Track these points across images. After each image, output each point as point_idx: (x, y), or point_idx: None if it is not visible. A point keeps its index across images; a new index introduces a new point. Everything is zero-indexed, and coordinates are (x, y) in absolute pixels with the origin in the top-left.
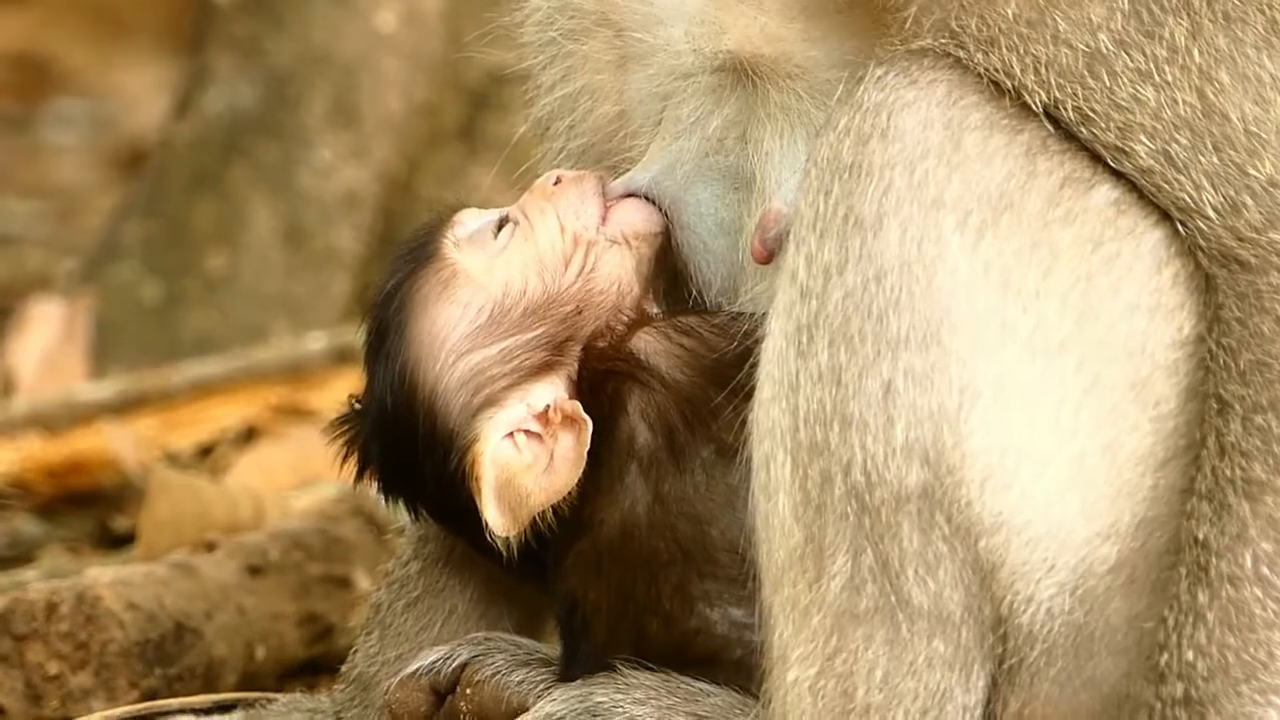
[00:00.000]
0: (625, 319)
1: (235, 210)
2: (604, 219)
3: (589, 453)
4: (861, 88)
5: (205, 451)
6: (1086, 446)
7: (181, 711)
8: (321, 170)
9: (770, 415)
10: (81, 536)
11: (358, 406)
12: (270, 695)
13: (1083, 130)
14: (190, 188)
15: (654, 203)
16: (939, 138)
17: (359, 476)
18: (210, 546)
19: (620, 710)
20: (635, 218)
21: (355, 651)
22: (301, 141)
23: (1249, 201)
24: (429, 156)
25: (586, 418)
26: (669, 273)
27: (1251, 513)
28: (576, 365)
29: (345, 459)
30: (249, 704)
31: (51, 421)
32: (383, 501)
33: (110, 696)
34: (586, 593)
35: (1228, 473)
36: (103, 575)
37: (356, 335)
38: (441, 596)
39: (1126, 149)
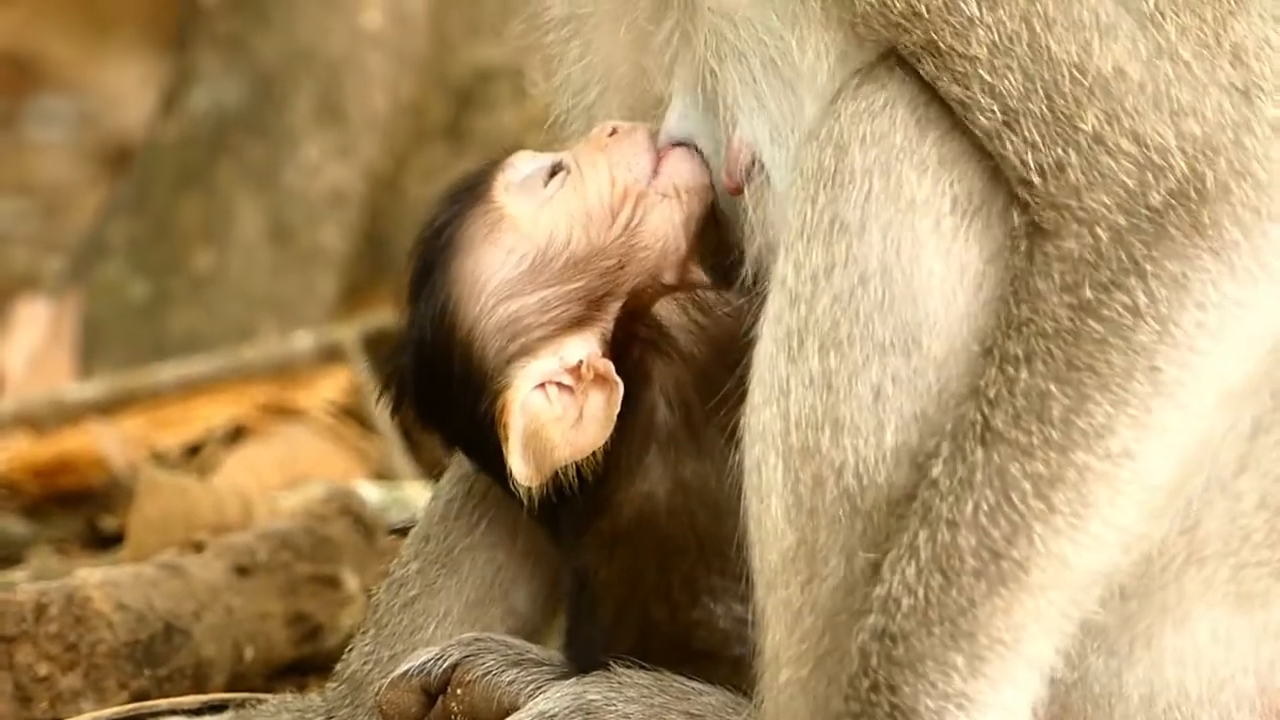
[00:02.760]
0: (664, 281)
1: (222, 209)
2: (655, 171)
3: (614, 425)
4: (840, 98)
5: (193, 451)
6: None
7: (171, 712)
8: (308, 168)
9: (761, 419)
10: (69, 536)
11: (400, 343)
12: (260, 695)
13: (940, 82)
14: (176, 186)
15: (698, 151)
16: (910, 140)
17: (396, 408)
18: (199, 547)
19: (613, 708)
20: (685, 169)
21: (350, 650)
22: (288, 140)
23: (1073, 159)
24: (415, 154)
25: (618, 379)
26: (714, 232)
27: (983, 460)
28: (612, 325)
29: (385, 390)
30: (239, 704)
31: (39, 421)
32: (420, 428)
33: (100, 698)
34: (598, 571)
35: (971, 416)
36: (91, 576)
37: (345, 331)
38: (438, 598)
39: (969, 100)
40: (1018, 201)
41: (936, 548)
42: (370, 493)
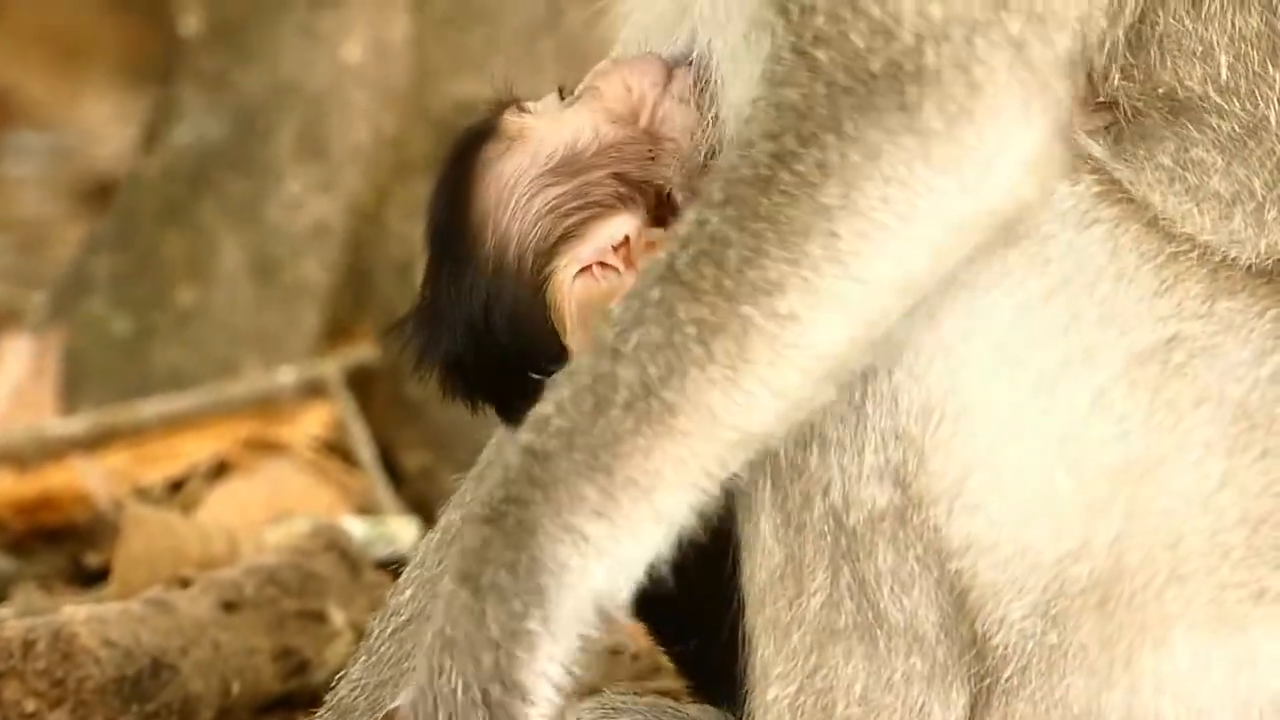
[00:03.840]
0: (696, 180)
1: (204, 244)
2: (668, 80)
3: None
4: None
5: (176, 486)
6: (1053, 463)
7: None
8: (290, 203)
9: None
10: (53, 573)
11: (419, 302)
12: None
13: None
14: (159, 221)
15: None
16: None
17: (417, 371)
18: (185, 582)
19: None
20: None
21: (340, 678)
22: (270, 174)
23: (822, 4)
24: (398, 188)
25: None
26: None
27: (657, 298)
28: (655, 206)
29: (405, 352)
30: None
31: (22, 457)
32: (443, 392)
33: None
34: None
35: (661, 257)
36: (78, 612)
37: (328, 366)
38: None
39: None
40: (763, 50)
41: (596, 373)
42: (355, 528)
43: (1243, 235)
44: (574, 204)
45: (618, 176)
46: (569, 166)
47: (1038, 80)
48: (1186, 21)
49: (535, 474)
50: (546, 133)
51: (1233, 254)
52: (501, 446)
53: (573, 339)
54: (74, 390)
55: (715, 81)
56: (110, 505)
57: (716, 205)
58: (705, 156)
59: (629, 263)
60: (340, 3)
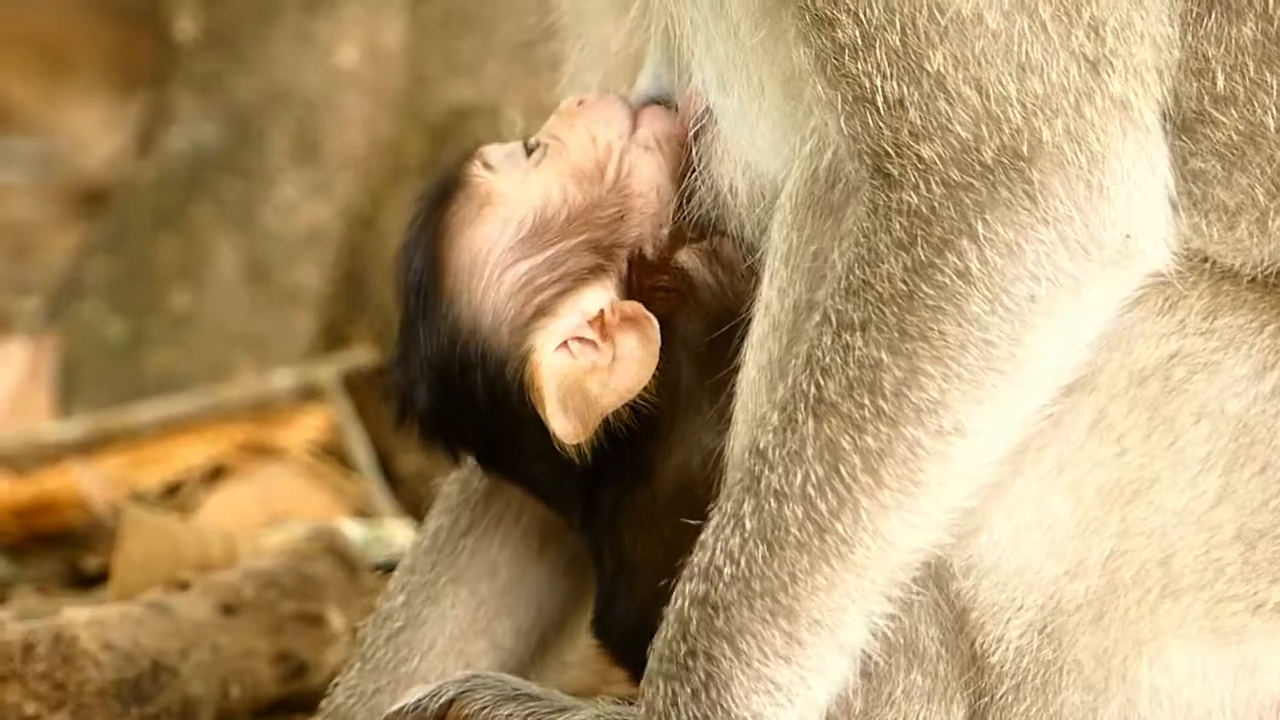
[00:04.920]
0: (669, 232)
1: (199, 248)
2: (633, 127)
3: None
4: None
5: (172, 490)
6: (1051, 486)
7: None
8: (285, 207)
9: (743, 445)
10: (50, 577)
11: (397, 355)
12: None
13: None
14: (153, 226)
15: (677, 109)
16: None
17: (399, 424)
18: (184, 585)
19: None
20: (662, 120)
21: (336, 684)
22: (264, 179)
23: (915, 98)
24: (392, 192)
25: (650, 316)
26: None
27: (814, 432)
28: (628, 272)
29: (388, 407)
30: None
31: (17, 462)
32: (425, 448)
33: None
34: (636, 546)
35: (804, 387)
36: (78, 615)
37: (323, 370)
38: (422, 630)
39: (833, 18)
40: (863, 145)
41: (763, 518)
42: (352, 531)
43: (1248, 244)
44: (546, 278)
45: (589, 244)
46: (540, 237)
47: (1150, 137)
48: (1188, 39)
49: (718, 626)
50: (515, 198)
51: (1237, 264)
52: (674, 599)
53: (553, 418)
54: (69, 395)
55: (711, 134)
56: (107, 509)
57: (858, 329)
58: (688, 205)
59: (605, 335)
60: (334, 8)
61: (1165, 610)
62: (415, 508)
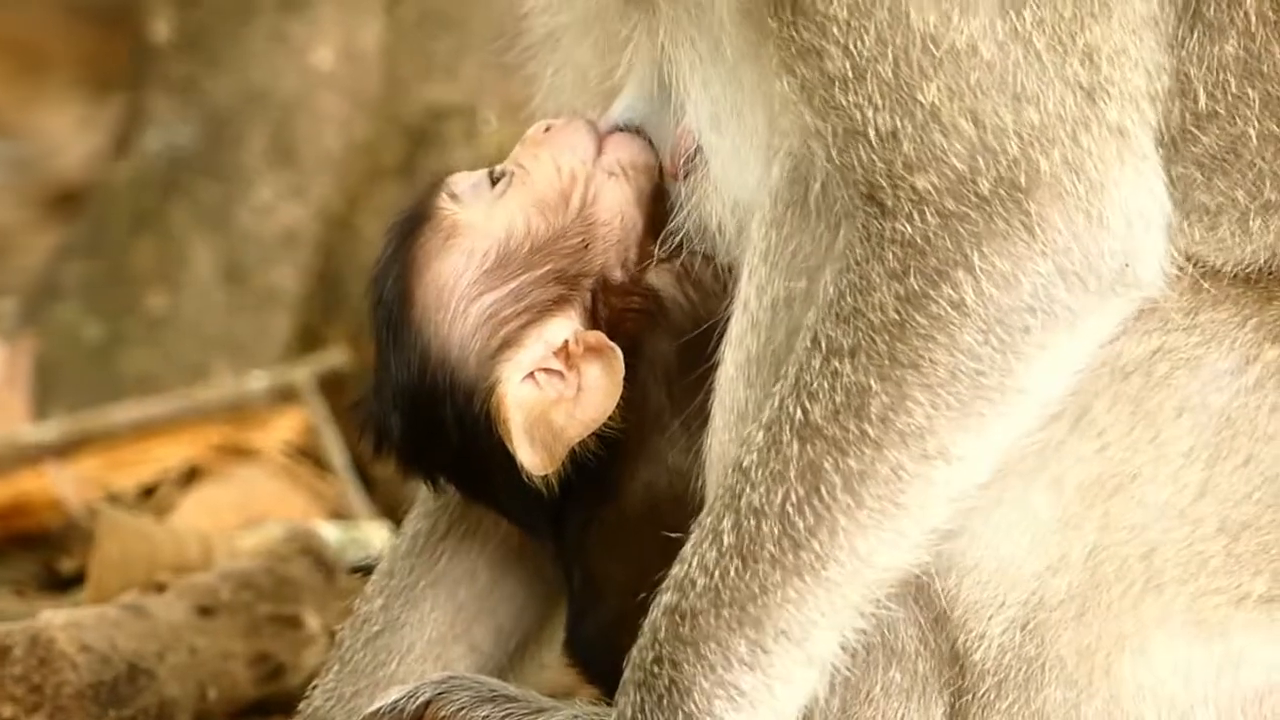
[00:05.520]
0: (635, 255)
1: (175, 250)
2: (598, 153)
3: (616, 407)
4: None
5: (148, 492)
6: (1033, 482)
7: None
8: (261, 209)
9: (721, 443)
10: (26, 578)
11: (371, 383)
12: None
13: (793, 29)
14: (130, 228)
15: (646, 137)
16: None
17: (376, 453)
18: (160, 587)
19: None
20: (628, 148)
21: (314, 687)
22: (241, 180)
23: (909, 130)
24: (369, 194)
25: (614, 346)
26: (668, 211)
27: (797, 454)
28: (592, 301)
29: (363, 436)
30: None
31: None
32: (401, 476)
33: None
34: (604, 565)
35: (790, 408)
36: (55, 617)
37: (299, 372)
38: (400, 634)
39: (821, 49)
40: (856, 176)
41: (740, 534)
42: (328, 532)
43: (1230, 243)
44: (511, 310)
45: (553, 275)
46: (504, 269)
47: (1148, 163)
48: (1171, 62)
49: (683, 633)
50: (480, 230)
51: (1219, 262)
52: (650, 610)
53: (520, 450)
54: (46, 396)
55: (701, 172)
56: (83, 511)
57: (846, 355)
58: (672, 240)
59: (570, 366)
60: (310, 9)
61: (1148, 604)
62: (391, 509)
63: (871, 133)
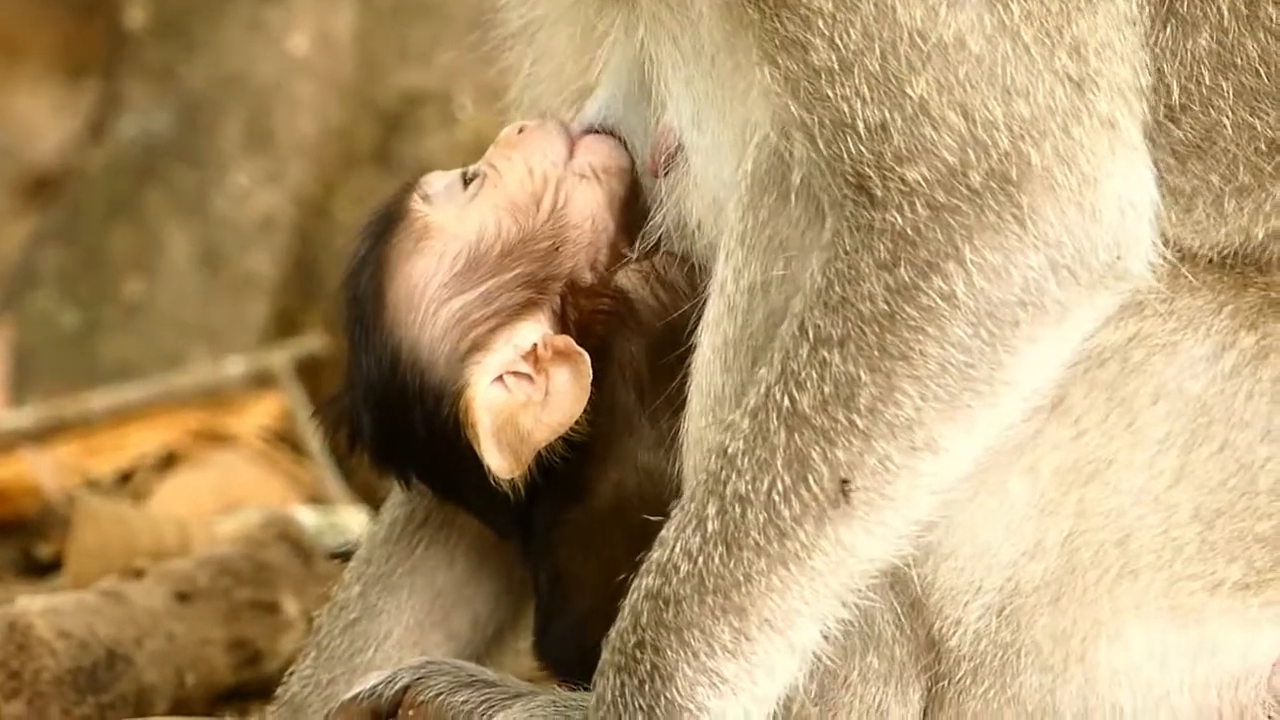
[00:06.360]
0: (605, 257)
1: (151, 236)
2: (570, 155)
3: (584, 411)
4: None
5: (125, 478)
6: (1009, 468)
7: None
8: (237, 195)
9: (698, 427)
10: (4, 564)
11: (343, 381)
12: None
13: (776, 20)
14: (106, 214)
15: (617, 137)
16: None
17: (350, 451)
18: (139, 573)
19: None
20: (601, 151)
21: (291, 673)
22: (216, 166)
23: (898, 123)
24: (344, 179)
25: (582, 350)
26: (641, 212)
27: (785, 442)
28: (561, 304)
29: (334, 435)
30: None
31: None
32: (374, 472)
33: None
34: (573, 565)
35: (778, 397)
36: (33, 604)
37: (276, 357)
38: (378, 621)
39: (806, 42)
40: (844, 167)
41: (725, 520)
42: (306, 518)
43: (1205, 225)
44: (480, 313)
45: (523, 278)
46: (474, 272)
47: (1138, 154)
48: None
49: (667, 619)
50: (451, 232)
51: (1195, 245)
52: (630, 593)
53: (488, 454)
54: (22, 383)
55: (681, 169)
56: (60, 497)
57: (835, 344)
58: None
59: (538, 369)
60: None
61: (1123, 590)
62: (369, 494)
63: (860, 125)
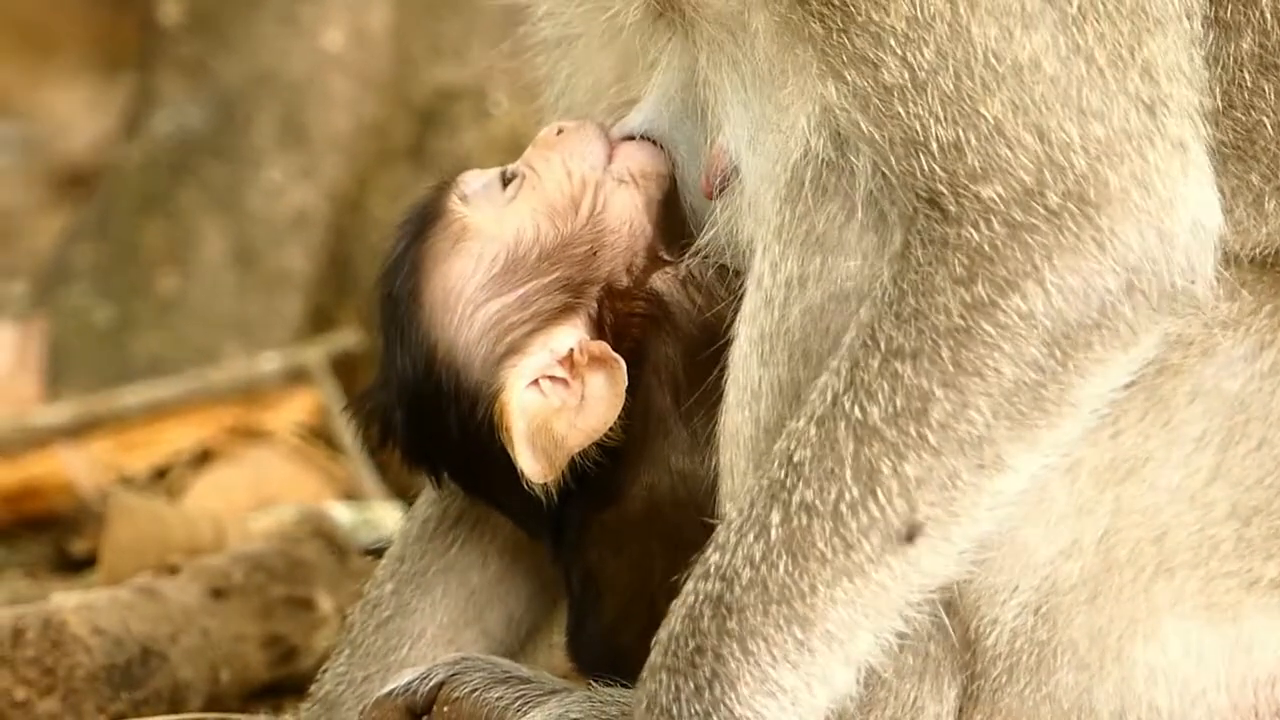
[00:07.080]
0: (642, 262)
1: (186, 232)
2: (609, 160)
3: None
4: None
5: (160, 474)
6: (1049, 470)
7: None
8: (271, 191)
9: (734, 421)
10: (39, 561)
11: (377, 378)
12: (236, 717)
13: (845, 35)
14: (140, 210)
15: (657, 144)
16: None
17: (380, 447)
18: (173, 570)
19: None
20: (639, 156)
21: (324, 670)
22: (251, 162)
23: (972, 142)
24: (378, 175)
25: (617, 356)
26: (678, 218)
27: (854, 453)
28: (598, 308)
29: (366, 431)
30: None
31: (5, 446)
32: (406, 469)
33: None
34: (605, 567)
35: (846, 407)
36: (68, 600)
37: (311, 353)
38: (412, 619)
39: (877, 59)
40: (916, 183)
41: (790, 529)
42: (340, 514)
43: (1246, 224)
44: (518, 316)
45: (560, 282)
46: (512, 275)
47: (1207, 176)
48: None
49: (730, 627)
50: (489, 234)
51: (1235, 245)
52: (684, 595)
53: (521, 458)
54: (57, 379)
55: (736, 190)
56: (94, 493)
57: (908, 357)
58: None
59: (574, 374)
60: None
61: (1160, 588)
62: (403, 490)
63: (933, 143)
